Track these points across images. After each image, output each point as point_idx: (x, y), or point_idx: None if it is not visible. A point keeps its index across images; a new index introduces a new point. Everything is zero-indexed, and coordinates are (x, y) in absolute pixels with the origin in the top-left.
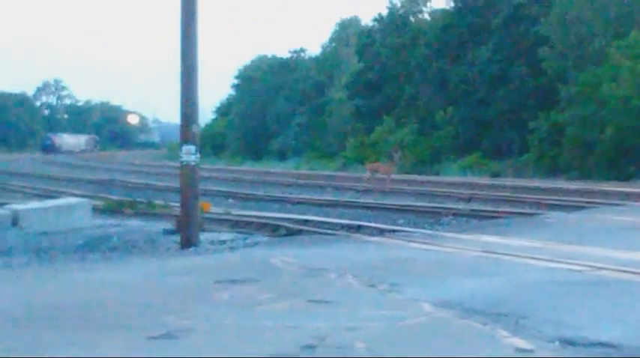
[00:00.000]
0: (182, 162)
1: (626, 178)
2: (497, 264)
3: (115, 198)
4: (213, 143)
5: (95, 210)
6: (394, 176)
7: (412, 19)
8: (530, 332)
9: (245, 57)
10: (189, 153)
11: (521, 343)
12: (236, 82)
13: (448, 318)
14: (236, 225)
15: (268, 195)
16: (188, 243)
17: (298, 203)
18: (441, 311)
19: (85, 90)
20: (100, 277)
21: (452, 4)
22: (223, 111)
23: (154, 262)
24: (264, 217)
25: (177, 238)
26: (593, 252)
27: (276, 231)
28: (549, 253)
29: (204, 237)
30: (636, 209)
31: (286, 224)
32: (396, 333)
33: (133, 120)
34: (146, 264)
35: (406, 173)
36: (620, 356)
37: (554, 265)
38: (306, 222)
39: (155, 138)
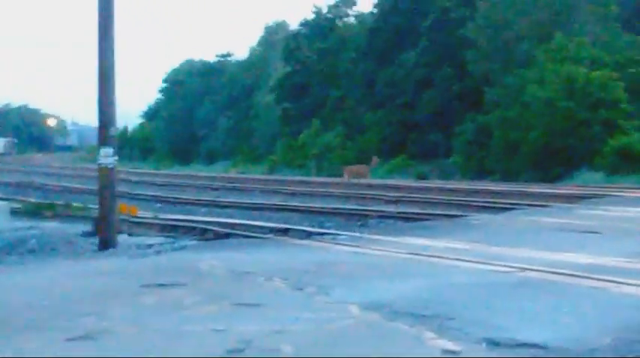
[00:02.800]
0: (100, 164)
1: (551, 180)
2: (424, 265)
3: (33, 200)
4: (141, 147)
5: (13, 212)
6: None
7: (339, 23)
8: (458, 333)
9: (173, 62)
10: (107, 156)
11: (448, 344)
12: (164, 86)
13: (376, 320)
14: (164, 228)
15: (196, 199)
16: (106, 244)
17: (226, 206)
18: (369, 314)
19: (3, 94)
20: (17, 279)
21: (378, 8)
22: (151, 115)
23: (73, 264)
24: (192, 221)
25: (95, 240)
26: (519, 253)
27: (204, 234)
28: (476, 255)
29: (132, 240)
30: (561, 210)
31: (214, 228)
32: (324, 336)
33: (51, 123)
34: (64, 266)
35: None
36: (547, 356)
37: (480, 266)
38: (234, 225)
39: (73, 141)
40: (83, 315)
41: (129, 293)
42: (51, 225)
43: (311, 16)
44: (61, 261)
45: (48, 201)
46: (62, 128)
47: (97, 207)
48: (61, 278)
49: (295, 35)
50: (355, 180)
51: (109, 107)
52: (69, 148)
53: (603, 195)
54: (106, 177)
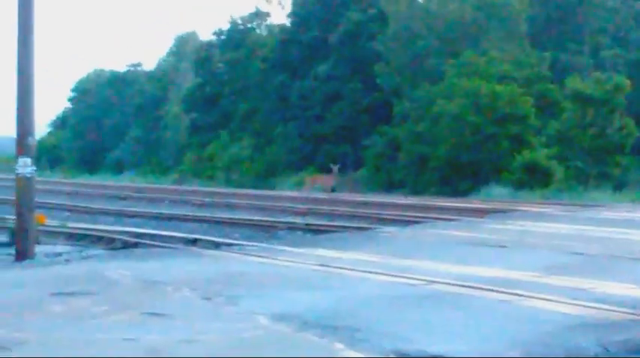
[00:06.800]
0: (18, 174)
1: (460, 194)
2: (332, 277)
3: None
4: (49, 156)
5: None
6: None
7: (252, 34)
8: (366, 345)
9: (82, 71)
10: (26, 166)
11: (357, 355)
12: (73, 95)
13: (285, 331)
14: (72, 237)
15: (105, 208)
16: (23, 255)
17: (134, 216)
18: (278, 325)
19: None
20: None
21: (290, 20)
22: (59, 124)
23: None
24: (100, 230)
25: (12, 251)
26: (426, 266)
27: (112, 243)
28: (384, 267)
29: (39, 249)
30: (468, 224)
31: (122, 237)
32: (234, 346)
33: None
34: None
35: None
36: None
37: (389, 279)
38: (142, 235)
39: None
40: None
41: (41, 303)
42: None
43: (225, 27)
44: None
45: None
46: None
47: (12, 217)
48: None
49: (207, 45)
50: (324, 194)
51: (28, 117)
52: None
53: (510, 210)
54: (24, 187)
